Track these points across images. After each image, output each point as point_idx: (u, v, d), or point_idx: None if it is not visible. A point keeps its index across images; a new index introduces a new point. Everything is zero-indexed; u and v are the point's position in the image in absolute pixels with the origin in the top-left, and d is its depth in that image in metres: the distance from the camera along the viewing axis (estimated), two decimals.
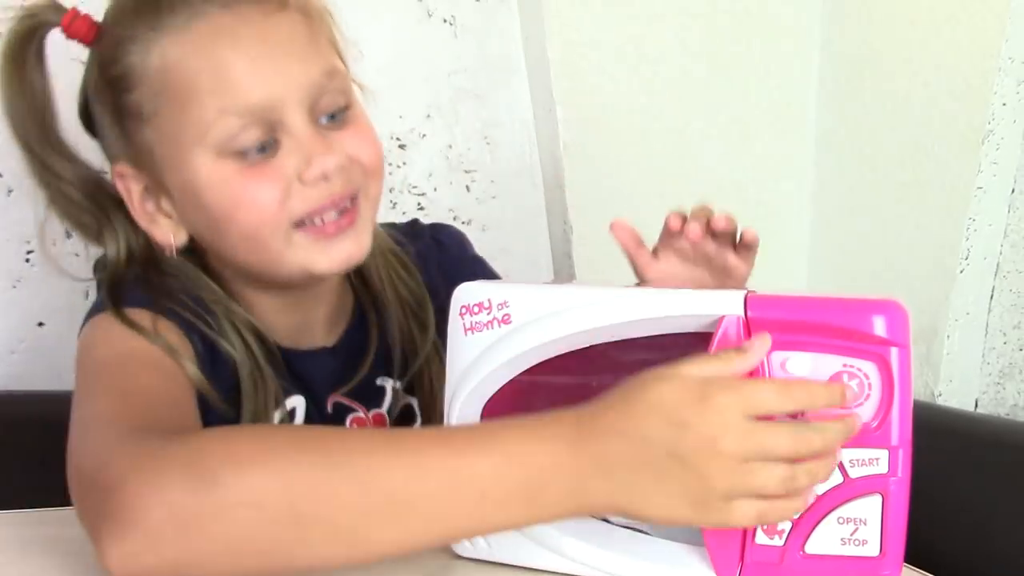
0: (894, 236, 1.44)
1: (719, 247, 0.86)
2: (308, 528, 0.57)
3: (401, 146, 1.41)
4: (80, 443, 0.66)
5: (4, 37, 0.81)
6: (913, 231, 1.41)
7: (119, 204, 0.83)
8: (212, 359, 0.81)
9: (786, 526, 0.63)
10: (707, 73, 1.52)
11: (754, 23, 1.53)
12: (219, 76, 0.76)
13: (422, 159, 1.43)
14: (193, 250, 0.84)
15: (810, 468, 0.59)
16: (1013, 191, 1.32)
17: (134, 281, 0.82)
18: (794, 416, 0.60)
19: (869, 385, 0.61)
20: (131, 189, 0.82)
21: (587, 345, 0.68)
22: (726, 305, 0.63)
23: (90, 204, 0.83)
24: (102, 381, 0.73)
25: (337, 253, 0.80)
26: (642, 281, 0.92)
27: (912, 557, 0.64)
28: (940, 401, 1.38)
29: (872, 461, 0.61)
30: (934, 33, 1.34)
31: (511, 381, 0.70)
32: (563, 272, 1.51)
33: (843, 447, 0.61)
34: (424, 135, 1.43)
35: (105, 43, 0.80)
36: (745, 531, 0.63)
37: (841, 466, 0.61)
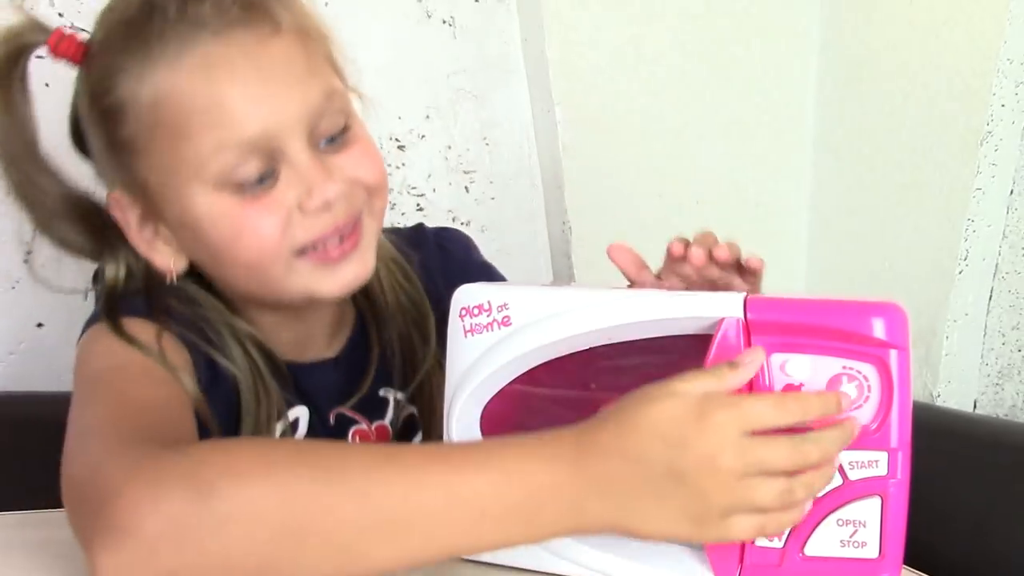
0: (893, 237, 1.44)
1: (723, 271, 0.83)
2: (305, 543, 0.57)
3: (400, 147, 1.42)
4: (75, 452, 0.65)
5: None
6: (912, 232, 1.41)
7: (117, 228, 0.81)
8: (213, 373, 0.80)
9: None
10: (706, 74, 1.52)
11: (753, 24, 1.53)
12: (214, 109, 0.73)
13: (421, 160, 1.43)
14: (193, 271, 0.83)
15: (808, 481, 0.59)
16: (1012, 192, 1.32)
17: (135, 291, 0.81)
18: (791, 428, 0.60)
19: (868, 387, 0.61)
20: (128, 216, 0.80)
21: (587, 347, 0.68)
22: (726, 307, 0.63)
23: (82, 228, 0.82)
24: (99, 391, 0.72)
25: (342, 277, 0.79)
26: None
27: (911, 558, 0.64)
28: (939, 402, 1.39)
29: (871, 463, 0.61)
30: (933, 34, 1.35)
31: (511, 383, 0.70)
32: (562, 273, 1.51)
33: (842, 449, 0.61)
34: (423, 136, 1.43)
35: (94, 70, 0.77)
36: None
37: (840, 468, 0.62)
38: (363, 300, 0.91)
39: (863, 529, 0.62)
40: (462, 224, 1.45)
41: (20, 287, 1.20)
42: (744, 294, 0.63)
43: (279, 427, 0.83)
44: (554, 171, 1.48)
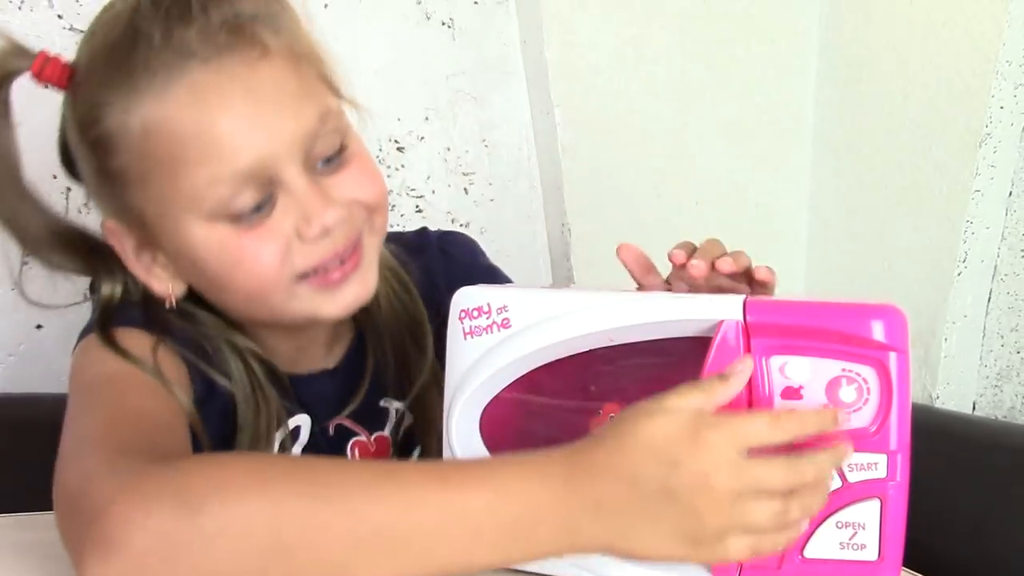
0: (892, 239, 1.44)
1: (732, 281, 0.79)
2: (297, 560, 0.56)
3: (399, 149, 1.42)
4: (67, 463, 0.65)
5: None
6: (911, 234, 1.41)
7: (112, 251, 0.80)
8: (210, 385, 0.79)
9: None
10: (706, 74, 1.52)
11: (752, 25, 1.53)
12: (206, 141, 0.71)
13: (420, 162, 1.43)
14: (192, 291, 0.81)
15: (803, 502, 0.58)
16: (1011, 194, 1.32)
17: (133, 302, 0.80)
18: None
19: (867, 390, 0.61)
20: (124, 244, 0.79)
21: (587, 349, 0.68)
22: (725, 310, 0.63)
23: (71, 254, 0.81)
24: (93, 401, 0.71)
25: (343, 299, 0.78)
26: None
27: (910, 560, 0.64)
28: (938, 404, 1.39)
29: (871, 466, 0.61)
30: (932, 36, 1.35)
31: (510, 385, 0.70)
32: (561, 274, 1.51)
33: None
34: (422, 138, 1.43)
35: (80, 99, 0.75)
36: None
37: (840, 471, 0.61)
38: (360, 311, 0.90)
39: (862, 531, 0.62)
40: (461, 226, 1.45)
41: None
42: (744, 297, 0.63)
43: (279, 436, 0.82)
44: (553, 172, 1.48)
